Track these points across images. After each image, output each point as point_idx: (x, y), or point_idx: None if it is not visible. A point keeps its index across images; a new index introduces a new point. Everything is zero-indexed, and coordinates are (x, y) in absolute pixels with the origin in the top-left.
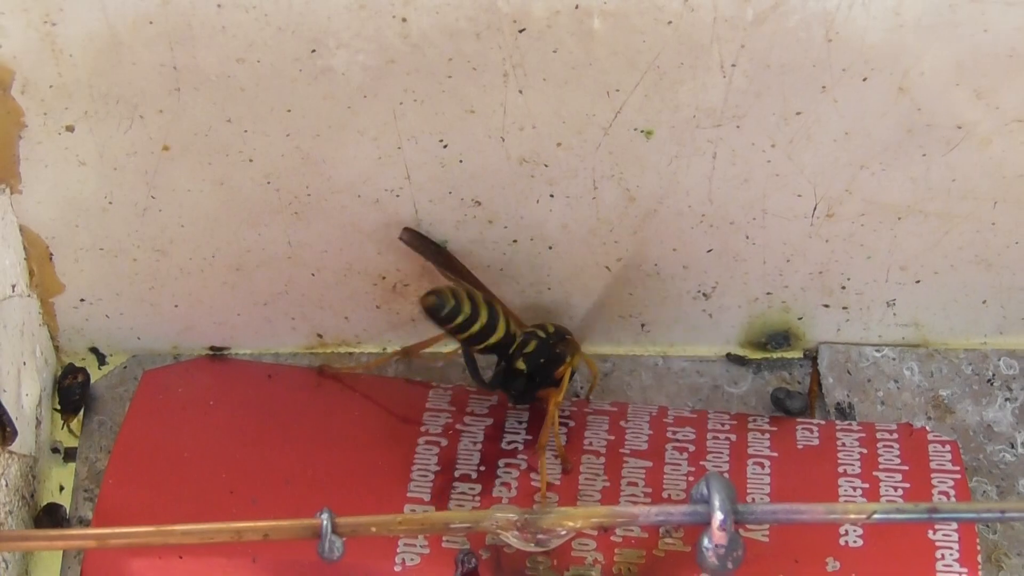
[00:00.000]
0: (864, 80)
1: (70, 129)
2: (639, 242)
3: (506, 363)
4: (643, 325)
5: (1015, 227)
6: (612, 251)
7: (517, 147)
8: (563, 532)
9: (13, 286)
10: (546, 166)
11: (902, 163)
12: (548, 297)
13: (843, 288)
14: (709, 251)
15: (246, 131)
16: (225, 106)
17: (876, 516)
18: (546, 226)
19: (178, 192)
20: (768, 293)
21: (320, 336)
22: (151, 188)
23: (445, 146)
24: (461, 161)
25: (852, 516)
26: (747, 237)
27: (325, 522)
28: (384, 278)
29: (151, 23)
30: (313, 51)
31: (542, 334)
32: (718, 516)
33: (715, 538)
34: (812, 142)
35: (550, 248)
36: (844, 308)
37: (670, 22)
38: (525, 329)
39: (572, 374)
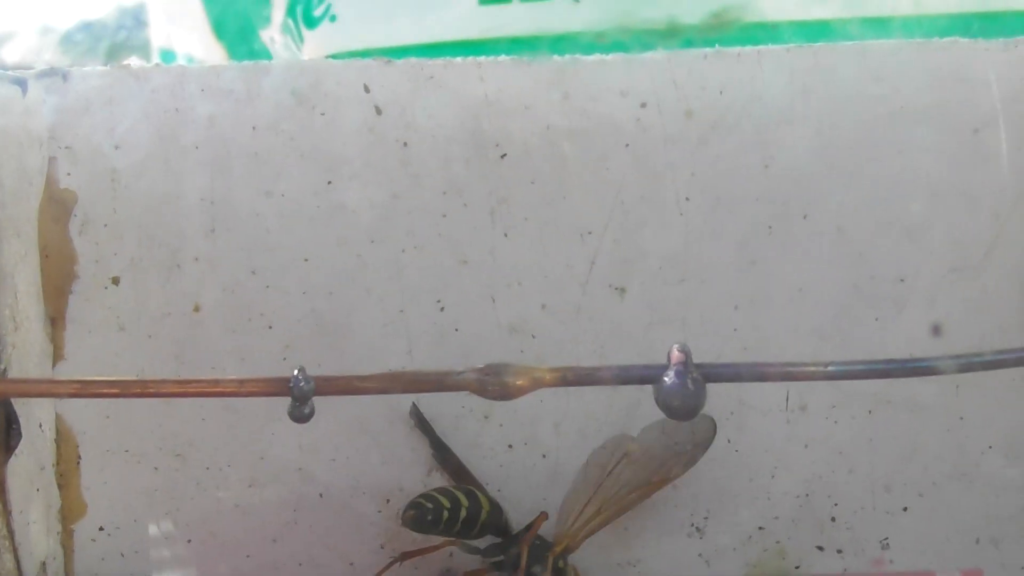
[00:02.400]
0: (805, 218)
1: (115, 282)
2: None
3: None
4: None
5: (984, 423)
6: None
7: (506, 310)
8: (519, 382)
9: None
10: (533, 337)
11: (858, 332)
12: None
13: (833, 520)
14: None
15: (268, 287)
16: (251, 253)
17: (831, 368)
18: (539, 425)
19: (203, 371)
20: (760, 528)
21: None
22: (180, 364)
23: (442, 308)
24: (457, 330)
25: (811, 370)
26: (729, 441)
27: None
28: (388, 501)
29: (197, 148)
30: (329, 183)
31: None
32: (676, 345)
33: (673, 359)
34: (771, 304)
35: (543, 456)
36: (839, 552)
37: (627, 144)
38: None
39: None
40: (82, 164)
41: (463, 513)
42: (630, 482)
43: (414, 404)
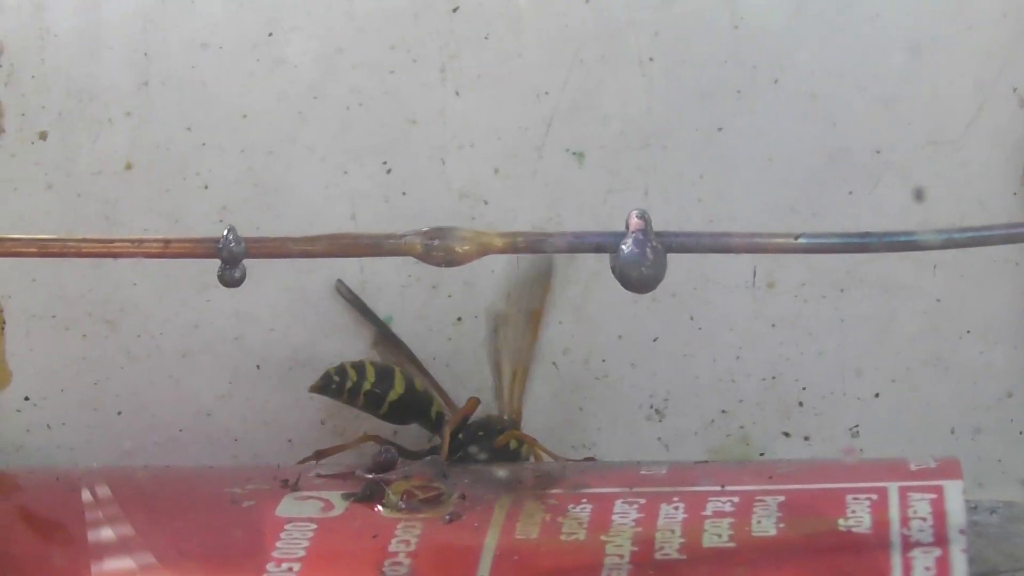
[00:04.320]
0: (776, 82)
1: (43, 137)
2: (583, 324)
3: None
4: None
5: (961, 307)
6: (557, 337)
7: (457, 174)
8: (466, 247)
9: None
10: (485, 202)
11: (831, 205)
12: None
13: (800, 405)
14: (655, 340)
15: (203, 144)
16: (186, 108)
17: (802, 240)
18: (490, 297)
19: (135, 232)
20: (723, 412)
21: None
22: (111, 224)
23: (389, 170)
24: (404, 193)
25: (780, 241)
26: (692, 318)
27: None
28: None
29: None
30: (270, 34)
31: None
32: (635, 212)
33: (632, 226)
34: (739, 173)
35: (495, 331)
36: (806, 439)
37: (587, 0)
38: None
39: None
40: (7, 11)
41: (365, 386)
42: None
43: (339, 281)
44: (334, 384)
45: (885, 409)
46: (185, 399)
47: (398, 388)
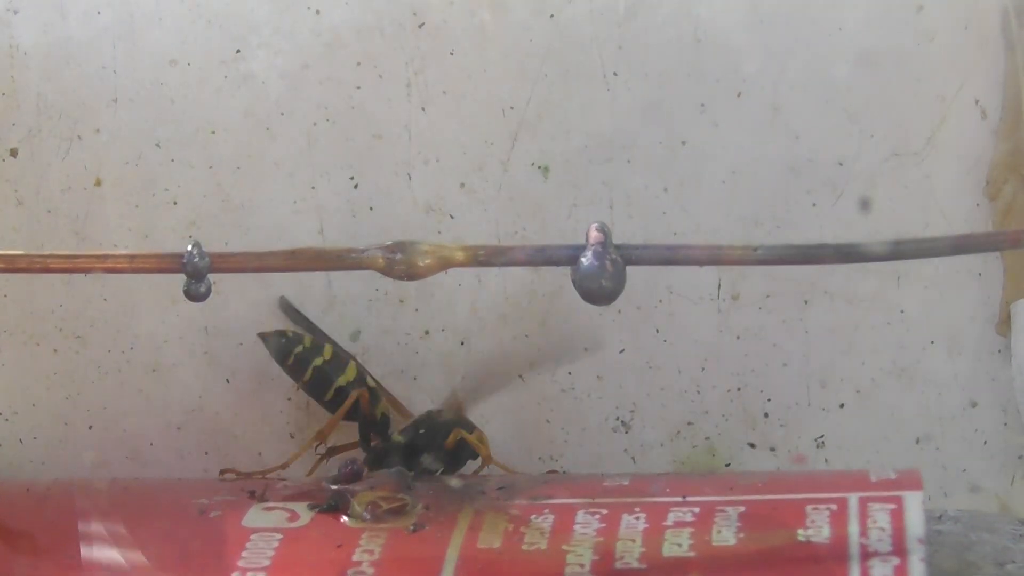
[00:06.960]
0: (739, 96)
1: (13, 153)
2: (549, 336)
3: (382, 438)
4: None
5: (925, 317)
6: (523, 350)
7: (423, 188)
8: (427, 261)
9: None
10: (451, 217)
11: (795, 218)
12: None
13: (766, 416)
14: (621, 352)
15: (172, 160)
16: (155, 124)
17: (760, 251)
18: (456, 309)
19: (104, 247)
20: (689, 423)
21: None
22: (80, 240)
23: (356, 185)
24: (371, 208)
25: (739, 252)
26: (657, 331)
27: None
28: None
29: (99, 13)
30: (238, 51)
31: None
32: (595, 225)
33: (592, 239)
34: (702, 186)
35: (462, 344)
36: (772, 450)
37: (552, 15)
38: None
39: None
40: None
41: (317, 361)
42: None
43: (282, 297)
44: (284, 340)
45: (850, 420)
46: (155, 413)
47: (348, 375)
